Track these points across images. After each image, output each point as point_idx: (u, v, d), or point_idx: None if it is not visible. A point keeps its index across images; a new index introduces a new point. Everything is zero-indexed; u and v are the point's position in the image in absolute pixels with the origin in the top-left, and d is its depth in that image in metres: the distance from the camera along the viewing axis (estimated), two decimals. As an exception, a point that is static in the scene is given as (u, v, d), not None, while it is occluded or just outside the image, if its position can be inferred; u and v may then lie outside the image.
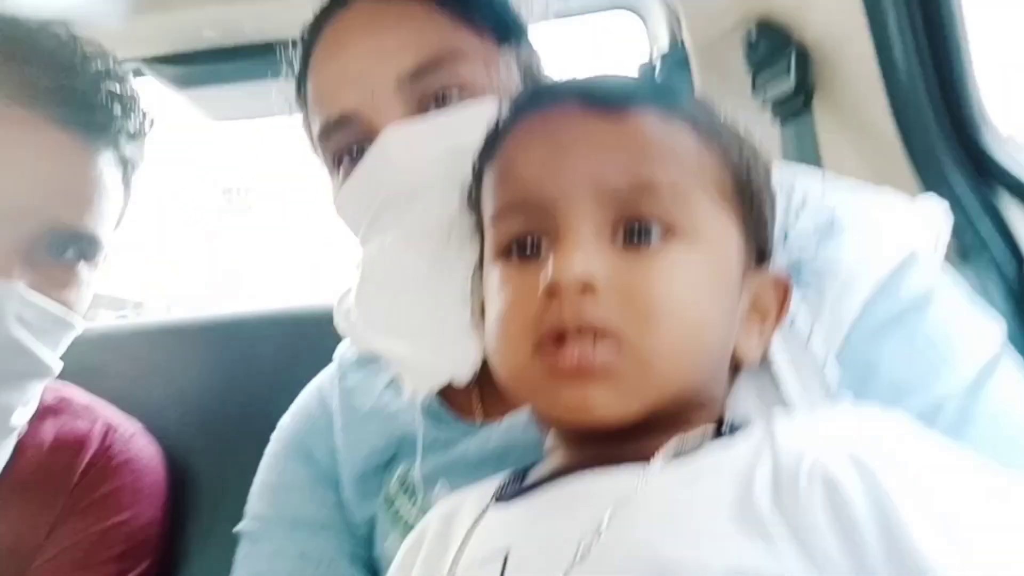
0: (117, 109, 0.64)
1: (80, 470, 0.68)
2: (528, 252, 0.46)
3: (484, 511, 0.45)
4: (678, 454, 0.42)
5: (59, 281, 0.62)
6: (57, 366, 0.64)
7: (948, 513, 0.34)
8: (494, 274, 0.47)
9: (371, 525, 0.62)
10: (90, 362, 0.79)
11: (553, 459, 0.47)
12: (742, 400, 0.48)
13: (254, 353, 0.92)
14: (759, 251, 0.49)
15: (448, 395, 0.61)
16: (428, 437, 0.59)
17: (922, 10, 0.85)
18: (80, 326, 0.64)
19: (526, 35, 0.66)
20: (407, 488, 0.59)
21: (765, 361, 0.49)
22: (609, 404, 0.42)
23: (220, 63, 1.09)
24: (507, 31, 0.64)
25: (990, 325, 0.49)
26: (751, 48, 1.04)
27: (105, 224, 0.64)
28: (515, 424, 0.57)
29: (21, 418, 0.63)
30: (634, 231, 0.43)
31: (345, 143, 0.61)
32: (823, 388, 0.47)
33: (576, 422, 0.43)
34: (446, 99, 0.59)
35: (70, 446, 0.70)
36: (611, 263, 0.43)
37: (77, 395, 0.75)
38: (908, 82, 0.88)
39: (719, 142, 0.47)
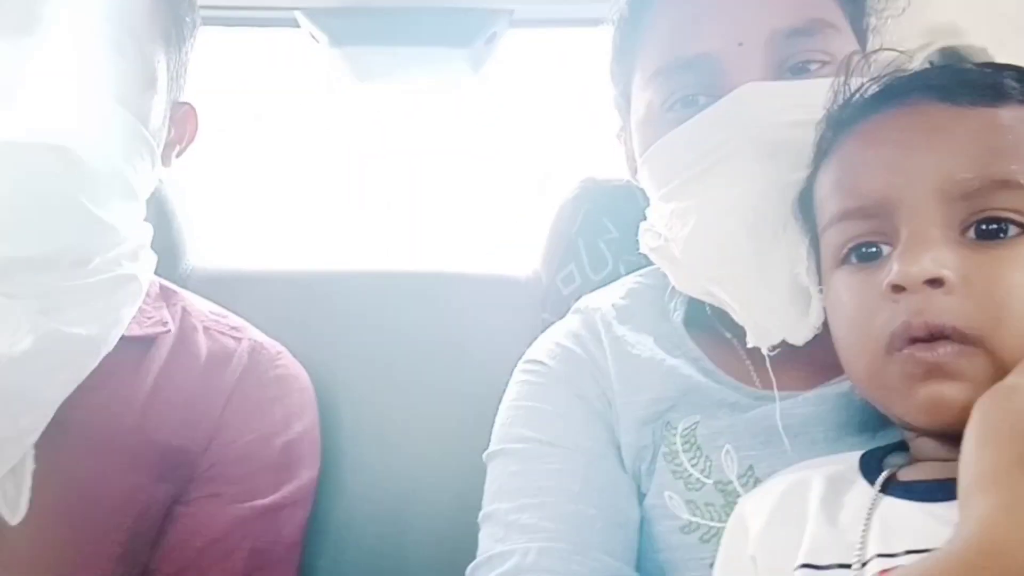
0: None
1: (232, 383, 0.70)
2: (870, 258, 0.46)
3: (876, 503, 0.44)
4: None
5: None
6: None
7: None
8: (837, 281, 0.48)
9: (642, 472, 0.62)
10: (236, 301, 0.82)
11: (935, 464, 0.45)
12: None
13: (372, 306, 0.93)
14: None
15: (717, 359, 0.63)
16: (716, 397, 0.60)
17: None
18: None
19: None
20: (690, 446, 0.59)
21: None
22: (961, 402, 0.40)
23: (378, 21, 1.09)
24: (865, 35, 0.64)
25: None
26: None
27: None
28: (823, 397, 0.57)
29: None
30: (986, 227, 0.42)
31: (688, 88, 0.61)
32: None
33: (930, 422, 0.43)
34: (805, 68, 0.59)
35: (221, 360, 0.71)
36: (961, 257, 0.42)
37: (228, 315, 0.78)
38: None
39: None
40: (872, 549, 0.42)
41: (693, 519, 0.58)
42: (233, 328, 0.75)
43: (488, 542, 0.60)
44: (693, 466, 0.59)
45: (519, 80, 1.28)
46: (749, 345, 0.59)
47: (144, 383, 0.67)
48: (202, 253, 0.95)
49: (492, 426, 0.70)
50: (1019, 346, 0.40)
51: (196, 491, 0.66)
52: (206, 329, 0.73)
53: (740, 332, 0.61)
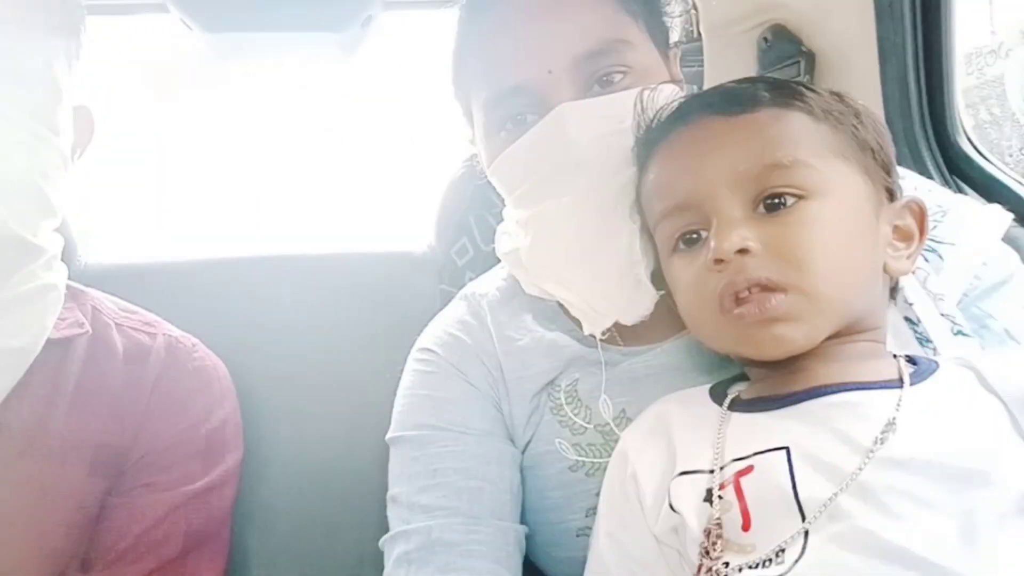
0: None
1: (151, 378, 0.72)
2: (693, 242, 0.58)
3: (725, 419, 0.57)
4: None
5: None
6: None
7: None
8: (673, 266, 0.60)
9: (531, 434, 0.71)
10: (134, 294, 0.83)
11: (767, 384, 0.58)
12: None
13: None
14: (888, 190, 0.59)
15: None
16: (591, 358, 0.70)
17: (924, 34, 0.97)
18: None
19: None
20: (572, 399, 0.70)
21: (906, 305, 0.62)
22: (796, 337, 0.53)
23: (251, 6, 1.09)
24: (664, 38, 0.74)
25: None
26: (763, 50, 1.13)
27: None
28: (676, 348, 0.69)
29: None
30: (770, 201, 0.54)
31: (515, 111, 0.68)
32: (950, 331, 0.60)
33: (773, 355, 0.54)
34: (610, 81, 0.67)
35: (138, 357, 0.73)
36: (759, 229, 0.54)
37: (138, 311, 0.79)
38: (902, 93, 1.00)
39: (827, 116, 0.58)
40: (728, 455, 0.54)
41: (579, 458, 0.68)
42: (146, 324, 0.77)
43: (395, 522, 0.68)
44: (576, 415, 0.69)
45: (395, 60, 1.31)
46: (585, 332, 0.69)
47: (67, 383, 0.68)
48: (91, 249, 0.94)
49: None
50: (820, 281, 0.52)
51: (128, 482, 0.68)
52: (119, 326, 0.74)
53: None
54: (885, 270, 0.57)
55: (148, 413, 0.70)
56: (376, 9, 1.17)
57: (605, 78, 0.67)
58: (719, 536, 0.51)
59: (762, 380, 0.59)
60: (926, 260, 0.64)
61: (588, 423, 0.69)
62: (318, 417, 0.91)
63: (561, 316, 0.74)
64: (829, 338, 0.54)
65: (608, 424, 0.68)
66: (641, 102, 0.65)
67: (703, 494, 0.53)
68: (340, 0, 1.12)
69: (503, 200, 0.76)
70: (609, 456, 0.65)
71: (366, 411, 0.89)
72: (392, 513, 0.69)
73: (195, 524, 0.70)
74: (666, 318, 0.67)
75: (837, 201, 0.55)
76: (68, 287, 0.75)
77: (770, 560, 0.48)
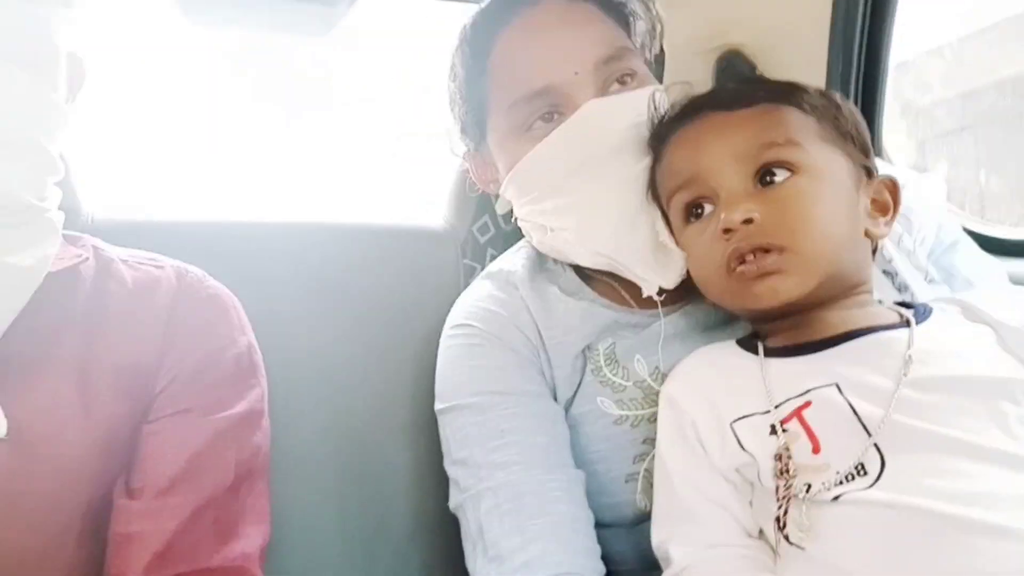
0: None
1: (165, 305, 0.70)
2: (700, 216, 0.70)
3: (765, 366, 0.67)
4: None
5: None
6: None
7: None
8: (686, 236, 0.72)
9: (572, 394, 0.78)
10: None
11: (791, 335, 0.69)
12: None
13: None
14: (867, 169, 0.71)
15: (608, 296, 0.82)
16: (622, 322, 0.79)
17: (866, 72, 1.17)
18: None
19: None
20: (611, 359, 0.78)
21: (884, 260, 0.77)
22: (789, 287, 0.64)
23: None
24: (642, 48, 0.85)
25: None
26: (720, 68, 1.28)
27: None
28: (694, 309, 0.80)
29: None
30: (767, 176, 0.66)
31: (542, 110, 0.77)
32: (926, 281, 0.75)
33: (773, 305, 0.65)
34: (624, 83, 0.78)
35: (149, 285, 0.71)
36: (758, 201, 0.65)
37: (140, 251, 0.77)
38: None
39: (814, 109, 0.70)
40: (779, 396, 0.65)
41: (622, 413, 0.77)
42: (150, 258, 0.75)
43: (469, 481, 0.74)
44: (615, 375, 0.78)
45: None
46: (644, 296, 0.78)
47: (75, 311, 0.67)
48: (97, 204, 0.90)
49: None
50: (808, 242, 0.64)
51: (163, 410, 0.67)
52: (123, 261, 0.72)
53: (615, 277, 0.81)
54: (867, 235, 0.69)
55: (169, 339, 0.69)
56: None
57: (619, 80, 0.78)
58: (790, 458, 0.61)
59: (785, 332, 0.70)
60: (898, 224, 0.77)
61: (627, 381, 0.78)
62: (343, 383, 0.92)
63: (584, 288, 0.83)
64: (835, 295, 0.67)
65: (646, 380, 0.77)
66: (654, 101, 0.76)
67: (768, 429, 0.64)
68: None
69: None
70: (649, 408, 0.76)
71: (392, 378, 0.94)
72: (462, 474, 0.75)
73: (244, 453, 0.69)
74: (678, 288, 0.78)
75: (822, 177, 0.67)
76: (64, 235, 0.72)
77: (853, 475, 0.59)
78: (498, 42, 0.79)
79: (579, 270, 0.84)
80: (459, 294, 0.89)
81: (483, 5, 0.82)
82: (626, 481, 0.76)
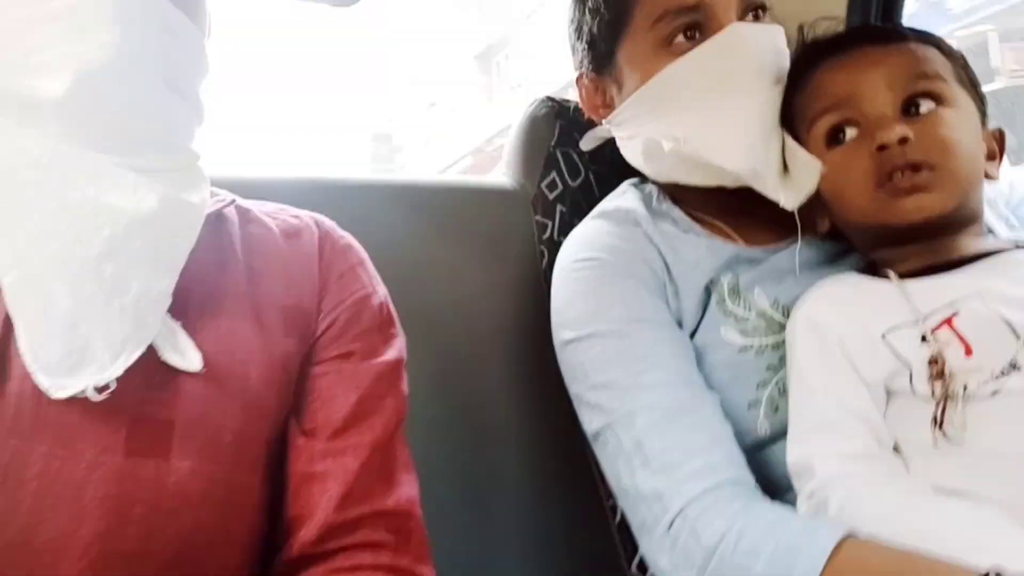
0: None
1: (314, 250, 0.69)
2: (840, 142, 0.74)
3: (901, 287, 0.72)
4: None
5: None
6: None
7: None
8: (828, 156, 0.75)
9: (695, 324, 0.80)
10: None
11: (921, 259, 0.73)
12: None
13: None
14: (983, 117, 0.77)
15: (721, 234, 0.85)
16: (741, 257, 0.83)
17: None
18: None
19: None
20: (734, 292, 0.81)
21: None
22: (934, 203, 0.69)
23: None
24: None
25: None
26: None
27: None
28: (804, 246, 0.83)
29: None
30: (916, 104, 0.72)
31: (689, 24, 0.81)
32: (1007, 225, 0.81)
33: (917, 220, 0.69)
34: (758, 13, 0.84)
35: (294, 231, 0.69)
36: (910, 125, 0.70)
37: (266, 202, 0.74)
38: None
39: (952, 55, 0.76)
40: (924, 309, 0.69)
41: (746, 341, 0.79)
42: (281, 208, 0.73)
43: (615, 403, 0.74)
44: (737, 306, 0.81)
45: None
46: (788, 207, 0.80)
47: (234, 253, 0.65)
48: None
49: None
50: (955, 164, 0.70)
51: (327, 351, 0.65)
52: (262, 211, 0.71)
53: (724, 216, 0.85)
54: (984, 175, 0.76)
55: (323, 283, 0.67)
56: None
57: (755, 11, 0.83)
58: (945, 361, 0.65)
59: (913, 257, 0.74)
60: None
61: (749, 312, 0.80)
62: (435, 336, 0.90)
63: (695, 226, 0.85)
64: (962, 222, 0.72)
65: (767, 311, 0.80)
66: (803, 32, 0.82)
67: (919, 339, 0.67)
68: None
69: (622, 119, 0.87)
70: (772, 336, 0.79)
71: (482, 331, 0.93)
72: (606, 397, 0.75)
73: (398, 400, 0.67)
74: (777, 224, 0.82)
75: (963, 112, 0.73)
76: None
77: (1007, 371, 0.63)
78: None
79: (687, 211, 0.86)
80: (534, 248, 0.88)
81: None
82: (748, 408, 0.78)
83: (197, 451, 0.55)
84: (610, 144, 0.94)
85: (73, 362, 0.50)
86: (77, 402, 0.50)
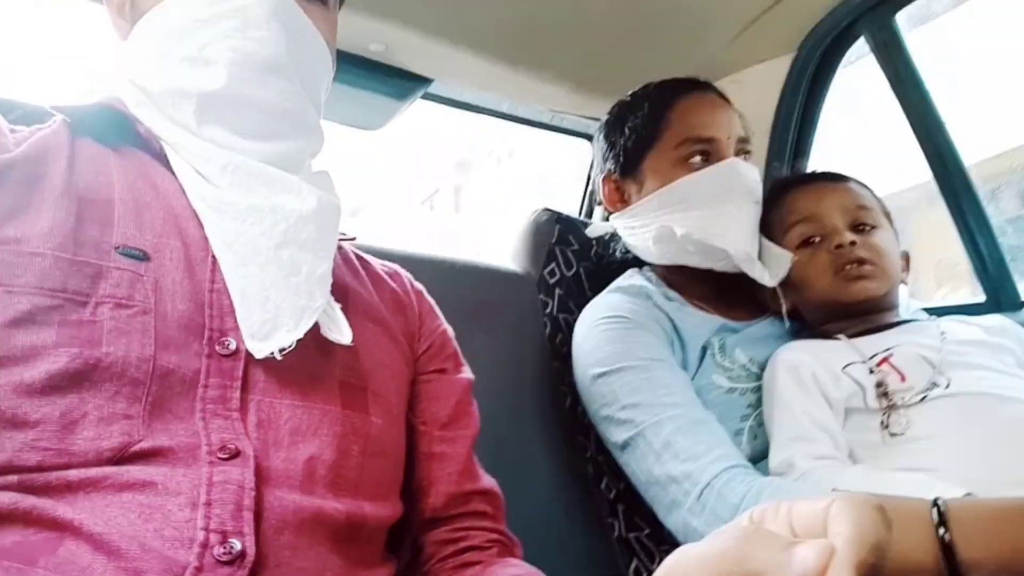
0: None
1: (409, 288, 0.80)
2: (809, 244, 1.04)
3: (849, 343, 0.98)
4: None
5: None
6: None
7: None
8: (800, 256, 1.04)
9: (694, 372, 1.02)
10: None
11: (859, 326, 1.00)
12: None
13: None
14: (897, 240, 1.06)
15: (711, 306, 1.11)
16: (725, 328, 1.07)
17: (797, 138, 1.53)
18: None
19: None
20: (722, 350, 1.04)
21: None
22: (875, 288, 1.00)
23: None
24: None
25: None
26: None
27: None
28: (769, 322, 1.10)
29: None
30: (861, 225, 1.03)
31: (700, 151, 1.08)
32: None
33: (862, 298, 0.99)
34: (744, 155, 1.11)
35: (395, 273, 0.81)
36: (857, 236, 1.02)
37: None
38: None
39: (877, 197, 1.08)
40: (867, 353, 0.93)
41: (732, 385, 1.00)
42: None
43: (645, 416, 0.92)
44: (724, 360, 1.03)
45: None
46: (769, 284, 1.05)
47: (353, 265, 0.76)
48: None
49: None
50: (888, 264, 1.00)
51: (428, 366, 0.76)
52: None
53: (706, 298, 1.10)
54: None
55: (420, 314, 0.78)
56: (406, 107, 1.40)
57: (742, 152, 1.12)
58: (887, 385, 0.87)
59: (856, 325, 1.00)
60: None
61: (734, 364, 1.02)
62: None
63: (688, 306, 1.08)
64: (886, 305, 1.00)
65: (746, 364, 1.03)
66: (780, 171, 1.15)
67: (867, 369, 0.91)
68: (378, 106, 1.35)
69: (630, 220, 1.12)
70: (751, 382, 1.01)
71: (494, 403, 1.03)
72: (637, 412, 0.93)
73: (476, 411, 0.78)
74: (750, 303, 1.08)
75: (888, 235, 1.05)
76: None
77: (929, 388, 0.87)
78: (679, 103, 1.11)
79: (680, 294, 1.10)
80: (538, 324, 1.03)
81: (662, 81, 1.15)
82: (735, 435, 0.96)
83: (383, 412, 0.66)
84: (598, 245, 1.17)
85: (268, 328, 0.59)
86: (302, 368, 0.60)
